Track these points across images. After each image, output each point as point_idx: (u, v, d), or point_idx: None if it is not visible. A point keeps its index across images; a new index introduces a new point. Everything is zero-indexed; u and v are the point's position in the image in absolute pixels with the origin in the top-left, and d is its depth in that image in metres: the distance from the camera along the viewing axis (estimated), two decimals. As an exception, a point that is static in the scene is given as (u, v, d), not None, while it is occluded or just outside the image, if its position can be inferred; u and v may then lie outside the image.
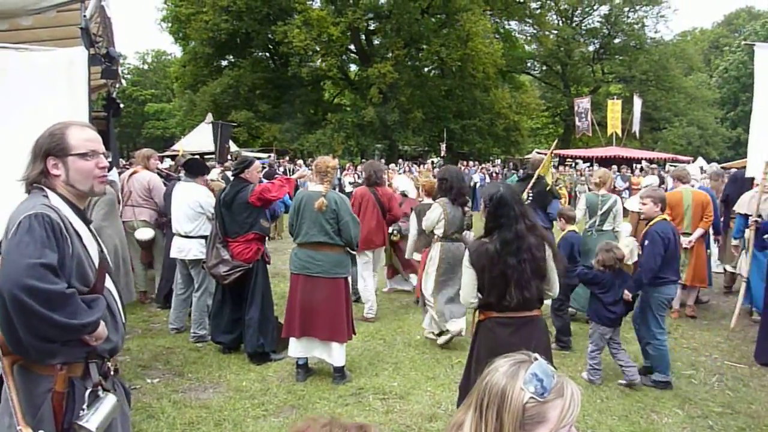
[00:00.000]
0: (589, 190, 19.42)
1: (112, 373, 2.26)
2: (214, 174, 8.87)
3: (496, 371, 1.38)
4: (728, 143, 42.78)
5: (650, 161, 24.39)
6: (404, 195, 8.17)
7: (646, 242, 5.03)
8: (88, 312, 2.01)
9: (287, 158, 24.64)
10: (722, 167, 15.67)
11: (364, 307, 7.03)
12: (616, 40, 41.01)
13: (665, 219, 5.18)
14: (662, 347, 5.04)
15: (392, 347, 6.04)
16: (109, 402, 2.11)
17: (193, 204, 5.94)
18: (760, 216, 6.28)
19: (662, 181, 18.68)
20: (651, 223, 5.15)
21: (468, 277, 3.39)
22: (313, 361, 5.29)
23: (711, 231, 7.82)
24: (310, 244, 4.97)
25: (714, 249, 8.55)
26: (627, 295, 5.04)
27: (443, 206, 5.87)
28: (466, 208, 6.08)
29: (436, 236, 5.98)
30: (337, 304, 4.98)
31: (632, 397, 4.87)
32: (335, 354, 5.01)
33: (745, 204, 6.89)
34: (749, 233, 6.38)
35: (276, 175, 13.22)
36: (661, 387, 5.03)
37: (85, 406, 2.06)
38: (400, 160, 26.19)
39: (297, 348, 5.07)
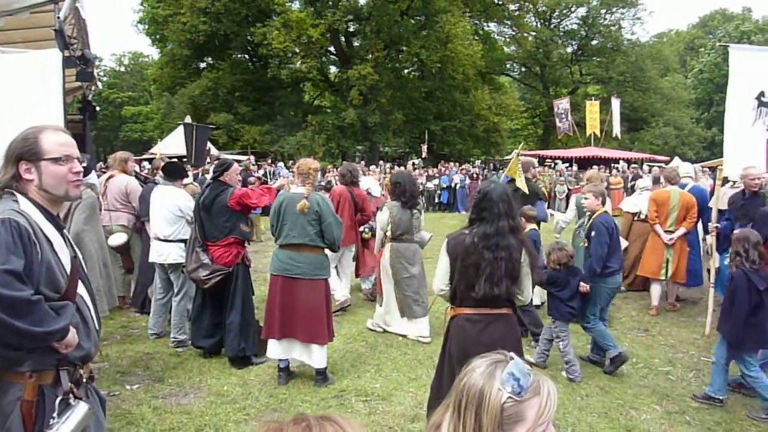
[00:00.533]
0: (569, 190, 19.59)
1: (85, 380, 2.23)
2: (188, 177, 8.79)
3: (473, 372, 1.39)
4: (704, 143, 43.49)
5: (628, 161, 24.73)
6: (369, 193, 8.44)
7: (593, 233, 5.38)
8: (56, 319, 1.97)
9: (268, 160, 24.48)
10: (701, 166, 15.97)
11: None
12: (594, 42, 41.50)
13: (606, 212, 5.64)
14: (596, 325, 5.38)
15: (374, 349, 6.04)
16: (80, 410, 2.06)
17: (172, 207, 5.88)
18: (723, 214, 6.42)
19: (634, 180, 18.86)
20: (594, 215, 5.54)
21: (442, 264, 3.46)
22: (295, 364, 5.27)
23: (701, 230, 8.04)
24: (291, 246, 4.95)
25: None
26: (584, 287, 5.28)
27: (391, 209, 6.36)
28: (415, 211, 6.50)
29: (386, 237, 6.38)
30: (318, 306, 4.97)
31: (611, 394, 4.93)
32: (315, 356, 5.00)
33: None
34: (711, 239, 6.50)
35: (251, 178, 13.16)
36: (619, 363, 5.21)
37: (55, 415, 2.01)
38: (381, 162, 26.20)
39: (277, 349, 5.05)
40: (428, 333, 6.26)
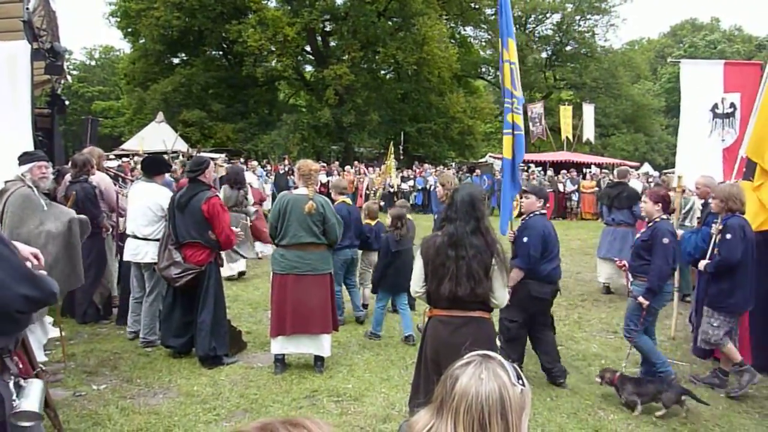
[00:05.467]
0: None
1: (20, 365, 2.34)
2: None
3: (470, 387, 1.37)
4: (672, 150, 44.08)
5: (599, 166, 25.12)
6: (250, 185, 10.29)
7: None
8: None
9: (241, 159, 24.23)
10: (665, 173, 16.28)
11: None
12: (568, 48, 42.02)
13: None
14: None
15: (347, 349, 6.03)
16: (36, 386, 2.19)
17: (153, 206, 5.77)
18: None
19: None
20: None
21: (417, 267, 3.50)
22: (270, 362, 5.23)
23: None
24: (299, 245, 5.14)
25: None
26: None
27: (223, 190, 8.66)
28: (242, 192, 8.82)
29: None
30: (327, 298, 5.28)
31: (580, 395, 5.00)
32: (325, 345, 5.30)
33: None
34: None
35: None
36: None
37: (14, 397, 2.11)
38: (356, 162, 26.15)
39: (286, 345, 5.24)
40: (242, 268, 9.39)
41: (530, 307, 5.16)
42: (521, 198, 5.48)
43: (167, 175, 6.69)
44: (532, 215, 5.26)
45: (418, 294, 3.55)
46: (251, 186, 10.40)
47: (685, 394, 4.60)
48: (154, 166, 6.15)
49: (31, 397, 2.12)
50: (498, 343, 3.49)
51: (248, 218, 9.01)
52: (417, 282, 3.51)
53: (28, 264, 2.28)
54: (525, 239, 5.05)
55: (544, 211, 5.36)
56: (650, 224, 5.13)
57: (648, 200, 5.19)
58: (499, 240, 3.44)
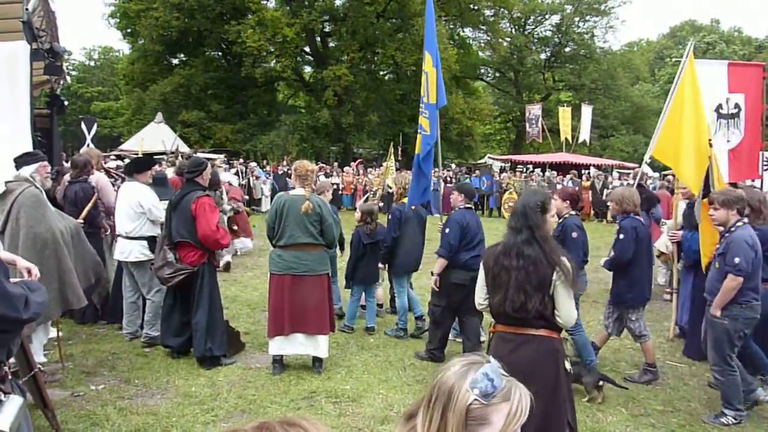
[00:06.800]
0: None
1: (10, 376, 2.25)
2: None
3: (448, 370, 1.40)
4: (671, 151, 44.25)
5: (598, 167, 25.13)
6: (230, 184, 11.04)
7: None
8: None
9: (240, 159, 24.23)
10: (665, 174, 16.31)
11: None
12: (567, 49, 42.03)
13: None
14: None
15: (345, 350, 6.03)
16: (15, 402, 2.11)
17: (132, 203, 5.80)
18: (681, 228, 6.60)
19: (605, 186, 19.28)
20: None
21: (480, 278, 3.37)
22: (268, 363, 5.23)
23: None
24: (297, 245, 5.15)
25: None
26: None
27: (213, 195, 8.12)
28: (216, 193, 8.88)
29: None
30: (323, 299, 5.28)
31: (578, 396, 4.98)
32: (321, 346, 5.29)
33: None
34: (672, 247, 6.60)
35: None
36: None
37: None
38: (353, 163, 26.13)
39: (284, 345, 5.24)
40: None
41: (453, 294, 5.60)
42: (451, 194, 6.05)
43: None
44: (457, 209, 5.85)
45: (482, 306, 3.39)
46: (231, 184, 11.55)
47: (603, 380, 4.90)
48: (134, 165, 6.24)
49: (5, 414, 2.03)
50: (567, 366, 3.23)
51: (225, 216, 9.59)
52: (480, 294, 3.35)
53: (15, 279, 2.26)
54: (447, 230, 5.63)
55: (469, 206, 5.93)
56: (560, 220, 5.45)
57: (557, 198, 5.50)
58: (564, 252, 3.20)
